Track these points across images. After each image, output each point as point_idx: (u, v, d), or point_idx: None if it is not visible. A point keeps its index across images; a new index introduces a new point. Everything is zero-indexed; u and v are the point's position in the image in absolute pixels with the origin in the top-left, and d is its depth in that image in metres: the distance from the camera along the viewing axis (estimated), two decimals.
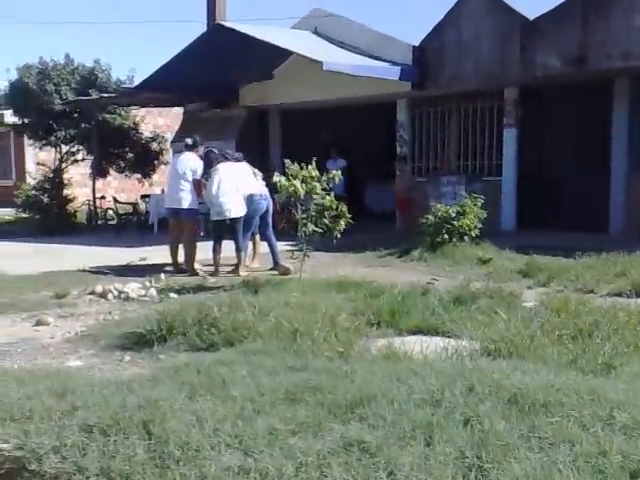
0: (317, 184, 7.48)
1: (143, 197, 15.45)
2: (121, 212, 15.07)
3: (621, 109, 12.33)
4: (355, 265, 9.64)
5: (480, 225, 9.83)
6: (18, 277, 8.57)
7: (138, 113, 18.58)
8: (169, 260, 9.88)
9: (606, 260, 8.65)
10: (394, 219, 14.85)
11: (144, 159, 17.86)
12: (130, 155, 17.68)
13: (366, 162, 16.33)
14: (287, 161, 7.71)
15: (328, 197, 7.51)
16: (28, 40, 51.44)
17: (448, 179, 12.97)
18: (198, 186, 9.26)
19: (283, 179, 7.46)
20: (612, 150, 12.48)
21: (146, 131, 18.75)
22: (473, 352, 4.52)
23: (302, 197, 7.43)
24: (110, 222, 15.65)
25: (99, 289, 7.79)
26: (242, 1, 45.44)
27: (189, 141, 9.67)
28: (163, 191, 16.70)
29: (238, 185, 9.00)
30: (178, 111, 23.96)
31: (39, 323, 6.35)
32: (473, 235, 9.90)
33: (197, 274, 9.04)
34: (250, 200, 9.16)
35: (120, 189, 22.07)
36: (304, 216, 7.50)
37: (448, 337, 5.24)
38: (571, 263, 8.62)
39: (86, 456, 2.89)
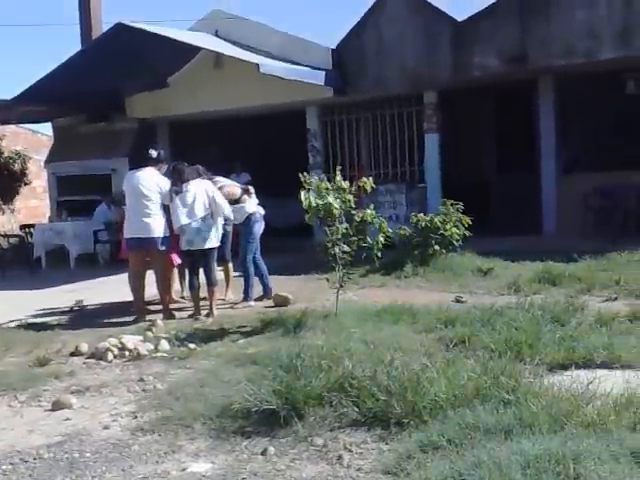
0: (351, 197, 6.34)
1: (23, 227, 13.13)
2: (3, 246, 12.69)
3: (547, 108, 12.25)
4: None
5: (467, 233, 9.09)
6: None
7: None
8: (113, 299, 8.35)
9: (613, 261, 8.32)
10: (303, 234, 13.73)
11: (5, 182, 15.42)
12: None
13: (271, 175, 15.12)
14: (303, 175, 6.48)
15: (369, 211, 6.39)
16: None
17: (387, 187, 12.16)
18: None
19: (313, 197, 6.21)
20: (541, 151, 12.39)
21: None
22: None
23: (337, 215, 6.24)
24: None
25: (84, 348, 6.07)
26: (120, 2, 40.48)
27: (153, 153, 7.68)
28: (50, 220, 14.46)
29: (217, 208, 7.51)
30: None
31: (58, 406, 4.63)
32: (456, 244, 9.16)
33: (173, 317, 7.49)
34: (251, 219, 7.86)
35: None
36: (339, 236, 6.31)
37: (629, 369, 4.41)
38: (585, 267, 8.16)
39: None
